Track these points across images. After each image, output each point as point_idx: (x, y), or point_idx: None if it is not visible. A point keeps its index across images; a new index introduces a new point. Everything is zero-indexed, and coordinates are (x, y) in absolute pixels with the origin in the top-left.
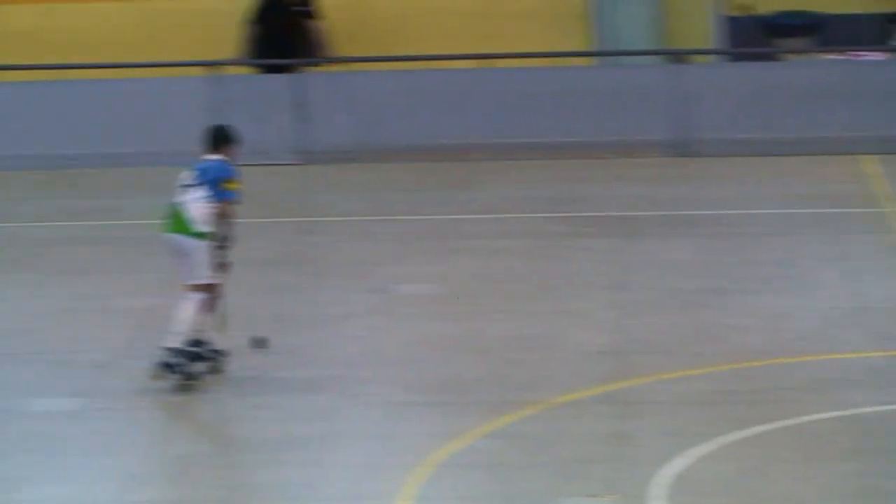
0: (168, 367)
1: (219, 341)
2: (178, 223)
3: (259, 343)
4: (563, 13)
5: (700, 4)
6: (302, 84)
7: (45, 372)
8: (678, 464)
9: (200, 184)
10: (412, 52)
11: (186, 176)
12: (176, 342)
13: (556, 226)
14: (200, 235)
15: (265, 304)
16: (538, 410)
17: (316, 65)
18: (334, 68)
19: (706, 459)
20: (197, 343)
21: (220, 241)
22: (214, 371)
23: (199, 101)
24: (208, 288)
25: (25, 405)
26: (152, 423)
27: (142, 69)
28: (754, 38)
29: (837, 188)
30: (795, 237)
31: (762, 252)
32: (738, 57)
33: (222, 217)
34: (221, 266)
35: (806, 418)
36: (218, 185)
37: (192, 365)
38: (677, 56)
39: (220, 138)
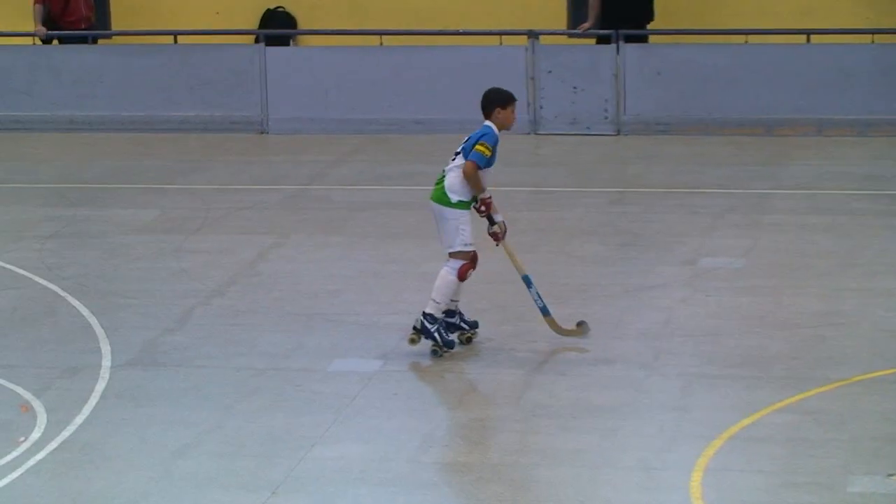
0: (421, 331)
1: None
2: (438, 191)
3: (582, 326)
4: None
5: None
6: (620, 55)
7: (348, 333)
8: None
9: (462, 150)
10: (731, 27)
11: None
12: (430, 308)
13: (867, 203)
14: (453, 204)
15: (571, 273)
16: (836, 387)
17: (642, 38)
18: (654, 40)
19: None
20: (449, 313)
21: (477, 208)
22: (467, 341)
23: (517, 69)
24: (464, 256)
25: (325, 365)
26: (451, 387)
27: (462, 37)
28: None
29: None
30: None
31: None
32: None
33: (466, 175)
34: (492, 235)
35: None
36: (473, 149)
37: (445, 332)
38: None
39: (487, 102)
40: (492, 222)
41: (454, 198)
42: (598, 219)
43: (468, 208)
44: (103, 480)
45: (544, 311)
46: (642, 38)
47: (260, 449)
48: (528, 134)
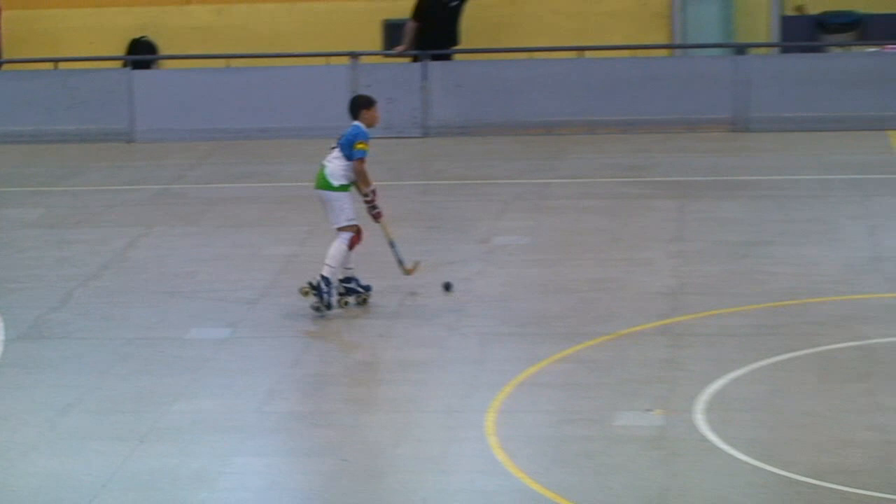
0: (315, 288)
1: (364, 278)
2: (321, 179)
3: (447, 287)
4: (647, 13)
5: (762, 6)
6: (427, 71)
7: (203, 307)
8: (717, 385)
9: (339, 146)
10: (518, 46)
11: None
12: (325, 272)
13: (630, 189)
14: (336, 188)
15: (388, 252)
16: (605, 340)
17: (449, 56)
18: (456, 58)
19: (740, 381)
20: (347, 280)
21: (363, 194)
22: (362, 303)
23: (341, 85)
24: (350, 229)
25: (184, 333)
26: (289, 349)
27: (295, 58)
28: (805, 34)
29: (866, 158)
30: (829, 199)
31: (799, 211)
32: (790, 49)
33: (356, 173)
34: (374, 216)
35: (826, 348)
36: (351, 146)
37: (333, 295)
38: (740, 48)
39: (354, 106)
40: (374, 207)
41: (336, 182)
42: (408, 206)
43: (348, 190)
44: None
45: (400, 263)
46: (446, 57)
47: (131, 406)
48: None
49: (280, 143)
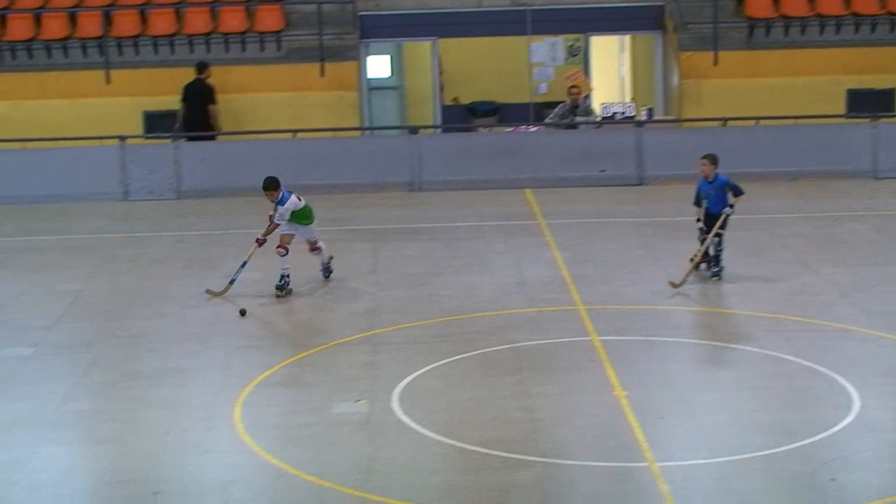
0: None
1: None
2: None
3: (242, 313)
4: (344, 104)
5: (428, 98)
6: (180, 148)
7: (10, 332)
8: (407, 380)
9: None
10: (250, 129)
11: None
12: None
13: (336, 234)
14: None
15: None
16: (321, 349)
17: (198, 139)
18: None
19: (424, 377)
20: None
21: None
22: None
23: (114, 160)
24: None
25: None
26: (79, 363)
27: (76, 141)
28: (460, 118)
29: (509, 209)
30: (483, 239)
31: (462, 249)
32: (449, 130)
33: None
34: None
35: (486, 350)
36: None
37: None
38: (413, 129)
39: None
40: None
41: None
42: (168, 252)
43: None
44: None
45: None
46: (197, 139)
47: None
48: (122, 201)
49: (65, 207)
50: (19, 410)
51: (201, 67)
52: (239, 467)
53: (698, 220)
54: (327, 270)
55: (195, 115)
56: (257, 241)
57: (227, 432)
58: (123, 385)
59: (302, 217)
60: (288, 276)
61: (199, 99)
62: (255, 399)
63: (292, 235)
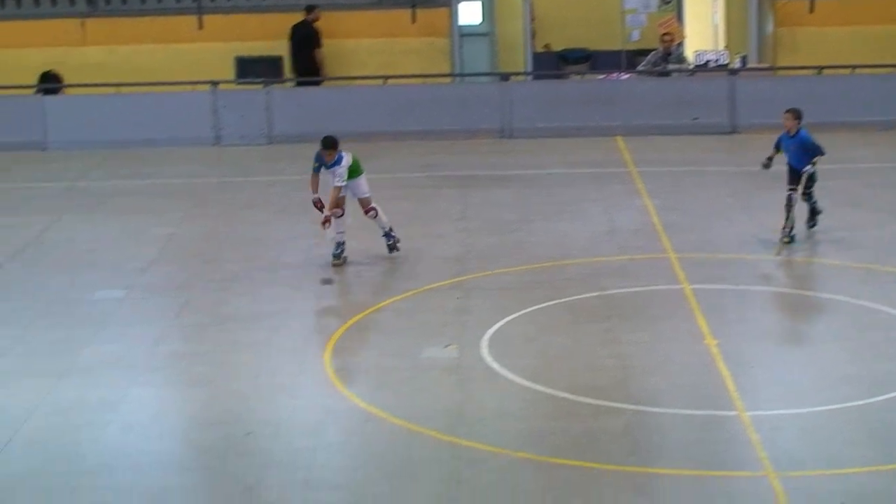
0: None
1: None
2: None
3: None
4: (434, 50)
5: (519, 44)
6: (271, 95)
7: (104, 274)
8: (496, 326)
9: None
10: (343, 75)
11: None
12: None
13: (426, 181)
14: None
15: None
16: (411, 294)
17: (315, 83)
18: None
19: (513, 323)
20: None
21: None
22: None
23: (205, 106)
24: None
25: (89, 295)
26: (172, 305)
27: (168, 86)
28: (551, 65)
29: (600, 157)
30: (574, 187)
31: (553, 196)
32: (541, 77)
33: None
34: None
35: (576, 297)
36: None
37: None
38: (504, 76)
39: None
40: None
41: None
42: (258, 197)
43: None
44: None
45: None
46: (302, 84)
47: (49, 350)
48: (214, 146)
49: (158, 151)
50: (111, 352)
51: (309, 9)
52: (329, 410)
53: (789, 191)
54: (390, 237)
55: (300, 59)
56: (323, 224)
57: (317, 376)
58: (215, 328)
59: (352, 172)
60: (343, 242)
61: (304, 42)
62: (344, 343)
63: (343, 195)
